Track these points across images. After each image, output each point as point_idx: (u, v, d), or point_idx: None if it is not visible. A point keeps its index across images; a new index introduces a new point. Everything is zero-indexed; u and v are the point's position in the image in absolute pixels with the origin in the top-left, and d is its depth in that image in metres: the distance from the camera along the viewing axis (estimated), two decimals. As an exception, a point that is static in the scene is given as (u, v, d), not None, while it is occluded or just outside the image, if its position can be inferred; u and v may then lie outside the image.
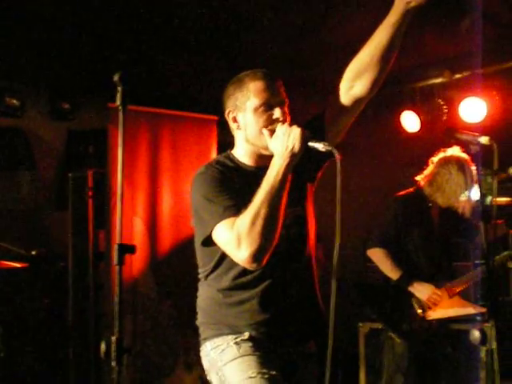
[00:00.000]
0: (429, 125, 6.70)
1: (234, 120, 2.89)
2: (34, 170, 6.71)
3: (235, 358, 2.78)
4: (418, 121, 6.77)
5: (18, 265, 5.46)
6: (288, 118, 2.78)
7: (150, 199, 5.63)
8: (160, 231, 5.68)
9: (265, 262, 2.62)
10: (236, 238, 2.59)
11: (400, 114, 6.89)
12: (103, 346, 2.42)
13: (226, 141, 6.62)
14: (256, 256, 2.59)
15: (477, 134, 3.05)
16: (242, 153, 2.91)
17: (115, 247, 2.45)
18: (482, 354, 2.90)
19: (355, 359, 5.64)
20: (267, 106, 2.77)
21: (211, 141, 5.94)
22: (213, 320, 2.92)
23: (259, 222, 2.56)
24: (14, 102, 6.47)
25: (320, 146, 2.67)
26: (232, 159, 2.92)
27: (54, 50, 5.82)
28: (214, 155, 5.86)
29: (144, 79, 5.74)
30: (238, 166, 2.88)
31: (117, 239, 2.47)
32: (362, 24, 5.37)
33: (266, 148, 2.78)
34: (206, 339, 2.93)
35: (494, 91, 6.27)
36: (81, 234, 5.91)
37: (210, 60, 6.02)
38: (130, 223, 5.57)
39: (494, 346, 2.87)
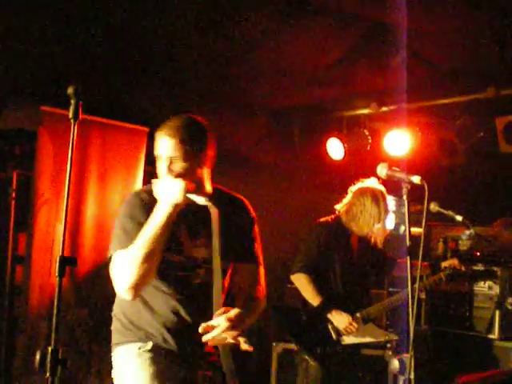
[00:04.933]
0: (353, 153, 6.88)
1: None
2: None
3: (133, 370, 2.99)
4: (343, 149, 6.93)
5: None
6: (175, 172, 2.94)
7: (74, 206, 5.58)
8: (82, 239, 5.63)
9: (138, 294, 2.91)
10: (117, 271, 2.92)
11: (326, 141, 7.05)
12: (38, 357, 2.43)
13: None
14: (128, 290, 2.89)
15: (408, 172, 3.19)
16: None
17: (58, 259, 2.47)
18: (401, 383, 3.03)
19: (267, 378, 5.75)
20: (158, 159, 3.00)
21: (140, 152, 5.95)
22: (124, 326, 3.08)
23: (135, 262, 2.82)
24: None
25: (199, 200, 2.99)
26: (151, 192, 3.01)
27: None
28: (142, 166, 5.89)
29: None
30: (154, 200, 2.95)
31: (59, 250, 2.50)
32: (293, 51, 5.56)
33: None
34: (115, 345, 3.11)
35: (416, 126, 6.48)
36: (0, 235, 5.82)
37: (147, 72, 6.03)
38: (52, 229, 5.53)
39: (412, 375, 2.99)
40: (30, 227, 5.45)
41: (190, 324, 3.01)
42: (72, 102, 2.60)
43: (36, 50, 5.71)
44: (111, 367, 3.14)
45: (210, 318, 2.88)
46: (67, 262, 2.51)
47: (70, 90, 2.60)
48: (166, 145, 2.93)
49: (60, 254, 2.46)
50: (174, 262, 3.00)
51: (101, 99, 6.04)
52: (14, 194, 5.77)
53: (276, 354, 5.79)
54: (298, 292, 4.93)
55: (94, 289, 5.56)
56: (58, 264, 2.48)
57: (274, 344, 5.82)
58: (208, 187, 3.08)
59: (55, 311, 2.48)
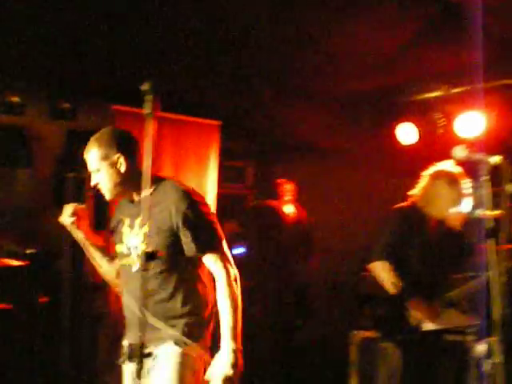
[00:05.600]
0: (425, 137, 6.79)
1: None
2: (31, 168, 6.70)
3: None
4: (415, 133, 6.85)
5: (15, 262, 5.47)
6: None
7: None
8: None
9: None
10: None
11: (397, 125, 6.98)
12: (125, 350, 2.46)
13: (229, 146, 6.71)
14: None
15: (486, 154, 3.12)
16: None
17: (141, 254, 2.50)
18: (487, 368, 2.97)
19: (346, 367, 5.73)
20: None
21: (213, 146, 5.99)
22: None
23: None
24: (15, 99, 6.48)
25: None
26: None
27: (58, 49, 5.82)
28: (216, 160, 5.92)
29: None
30: None
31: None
32: (361, 35, 5.49)
33: None
34: None
35: (491, 107, 6.34)
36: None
37: (216, 65, 6.05)
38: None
39: (499, 359, 2.93)
40: (107, 225, 5.53)
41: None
42: (148, 98, 2.61)
43: (105, 51, 5.79)
44: None
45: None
46: (150, 256, 2.54)
47: (146, 87, 2.61)
48: (86, 161, 3.36)
49: (142, 248, 2.50)
50: (118, 252, 3.41)
51: (171, 95, 6.11)
52: (90, 194, 5.87)
53: (355, 343, 5.77)
54: (376, 280, 4.88)
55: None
56: (141, 259, 2.51)
57: (352, 332, 5.80)
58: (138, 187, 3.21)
59: (139, 304, 2.51)
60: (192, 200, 3.21)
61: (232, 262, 3.24)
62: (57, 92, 6.65)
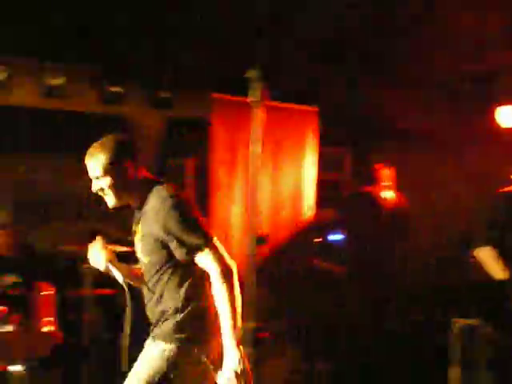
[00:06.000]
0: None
1: None
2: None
3: None
4: (515, 116, 6.74)
5: (120, 248, 5.61)
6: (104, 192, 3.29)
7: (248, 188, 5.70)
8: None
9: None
10: None
11: (495, 109, 6.86)
12: (237, 333, 2.51)
13: (327, 133, 6.70)
14: None
15: None
16: None
17: (252, 238, 2.55)
18: None
19: (447, 354, 5.67)
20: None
21: (311, 132, 5.99)
22: None
23: None
24: (116, 89, 6.66)
25: (118, 277, 3.40)
26: None
27: (158, 40, 5.93)
28: (315, 147, 5.92)
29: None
30: None
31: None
32: (463, 18, 5.40)
33: None
34: None
35: None
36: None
37: (312, 52, 6.06)
38: (227, 212, 5.68)
39: None
40: (205, 212, 5.61)
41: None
42: (254, 85, 2.62)
43: (203, 40, 5.87)
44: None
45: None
46: (260, 241, 2.59)
47: (252, 74, 2.61)
48: (88, 167, 3.30)
49: (254, 234, 2.54)
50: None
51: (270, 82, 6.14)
52: (189, 181, 5.98)
53: (456, 330, 5.69)
54: (480, 266, 4.80)
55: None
56: (251, 243, 2.55)
57: (453, 320, 5.72)
58: (135, 199, 3.33)
59: (253, 288, 2.56)
60: (171, 205, 3.18)
61: (224, 253, 3.19)
62: (156, 81, 6.78)
